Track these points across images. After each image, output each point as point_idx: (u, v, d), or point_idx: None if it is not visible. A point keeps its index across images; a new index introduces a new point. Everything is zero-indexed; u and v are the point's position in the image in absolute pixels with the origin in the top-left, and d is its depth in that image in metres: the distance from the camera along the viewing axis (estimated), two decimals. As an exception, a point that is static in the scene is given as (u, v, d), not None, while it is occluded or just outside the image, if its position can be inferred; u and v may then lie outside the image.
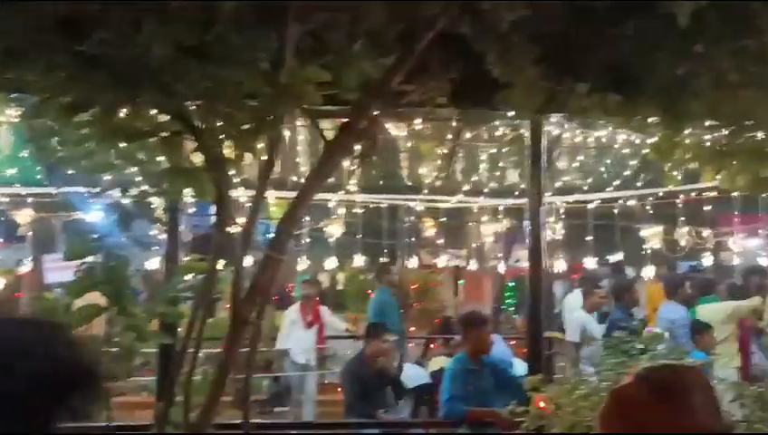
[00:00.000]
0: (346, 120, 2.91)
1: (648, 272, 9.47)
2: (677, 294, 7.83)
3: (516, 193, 8.59)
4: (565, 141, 8.75)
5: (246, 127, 2.52)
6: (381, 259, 9.77)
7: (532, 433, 3.60)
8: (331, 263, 9.10)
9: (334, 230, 8.61)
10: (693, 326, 7.14)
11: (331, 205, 8.59)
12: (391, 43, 2.82)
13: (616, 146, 7.90)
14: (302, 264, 9.11)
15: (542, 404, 3.55)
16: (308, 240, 8.77)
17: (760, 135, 3.72)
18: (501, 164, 8.79)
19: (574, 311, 9.08)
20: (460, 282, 10.94)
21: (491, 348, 4.87)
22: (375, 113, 3.09)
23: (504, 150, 8.50)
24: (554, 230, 9.07)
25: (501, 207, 9.71)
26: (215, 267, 2.67)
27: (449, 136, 7.57)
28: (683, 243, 9.04)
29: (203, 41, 2.40)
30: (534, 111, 3.47)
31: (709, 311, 7.59)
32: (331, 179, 8.61)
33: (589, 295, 8.17)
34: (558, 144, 9.02)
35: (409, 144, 8.15)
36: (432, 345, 8.68)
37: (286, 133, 7.73)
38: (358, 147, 3.18)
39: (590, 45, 3.49)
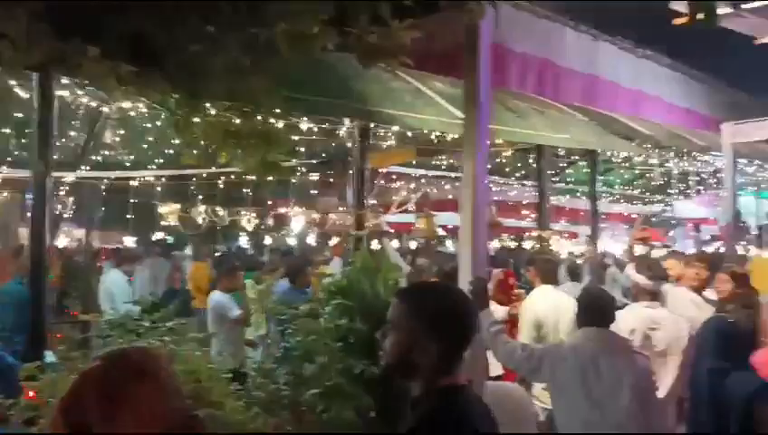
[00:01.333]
0: None
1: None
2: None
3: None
4: (111, 115, 8.38)
5: None
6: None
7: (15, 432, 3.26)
8: None
9: None
10: None
11: None
12: None
13: (159, 123, 7.81)
14: None
15: (30, 394, 3.24)
16: None
17: (270, 121, 3.97)
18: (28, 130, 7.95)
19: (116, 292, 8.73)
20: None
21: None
22: None
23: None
24: (92, 207, 8.61)
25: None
26: None
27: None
28: (200, 221, 9.41)
29: None
30: (28, 68, 3.13)
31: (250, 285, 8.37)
32: None
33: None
34: (102, 117, 8.60)
35: None
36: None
37: None
38: None
39: (105, 10, 3.31)
